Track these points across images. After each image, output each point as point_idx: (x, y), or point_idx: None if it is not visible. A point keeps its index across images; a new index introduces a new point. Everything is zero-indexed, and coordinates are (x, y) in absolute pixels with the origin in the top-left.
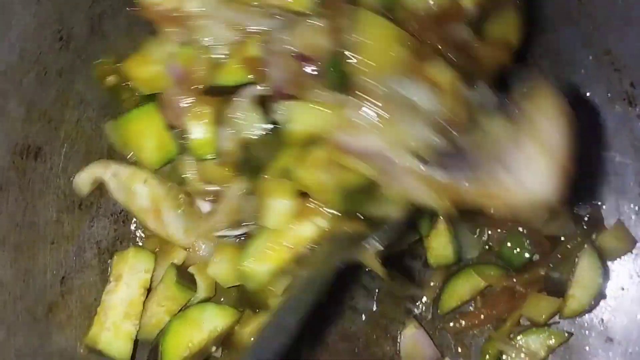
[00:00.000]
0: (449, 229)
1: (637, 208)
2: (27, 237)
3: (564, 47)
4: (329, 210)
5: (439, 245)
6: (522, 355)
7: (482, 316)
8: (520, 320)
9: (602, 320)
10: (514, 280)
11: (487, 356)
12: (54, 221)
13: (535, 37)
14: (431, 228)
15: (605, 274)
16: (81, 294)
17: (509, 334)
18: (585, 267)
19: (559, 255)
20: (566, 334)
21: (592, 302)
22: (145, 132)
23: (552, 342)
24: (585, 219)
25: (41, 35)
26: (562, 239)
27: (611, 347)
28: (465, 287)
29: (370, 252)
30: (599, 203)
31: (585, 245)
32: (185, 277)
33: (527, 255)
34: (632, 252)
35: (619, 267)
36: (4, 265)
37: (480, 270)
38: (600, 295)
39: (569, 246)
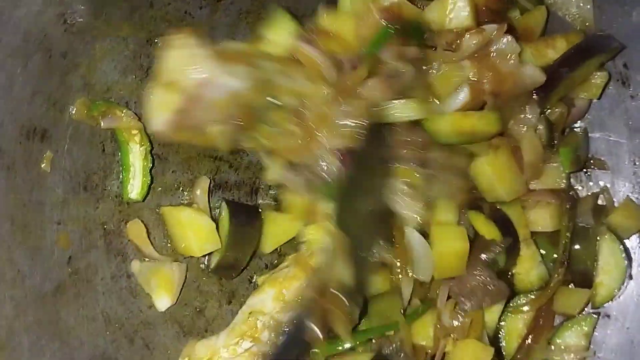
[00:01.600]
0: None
1: (632, 187)
2: (35, 217)
3: (559, 27)
4: None
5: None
6: (567, 355)
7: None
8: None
9: None
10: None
11: None
12: (60, 202)
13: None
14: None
15: (627, 254)
16: (87, 274)
17: (547, 341)
18: (606, 253)
19: (577, 247)
20: (594, 315)
21: (622, 285)
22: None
23: (587, 329)
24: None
25: (45, 18)
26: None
27: (608, 324)
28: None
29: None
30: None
31: (602, 230)
32: None
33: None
34: None
35: None
36: (12, 244)
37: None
38: (629, 277)
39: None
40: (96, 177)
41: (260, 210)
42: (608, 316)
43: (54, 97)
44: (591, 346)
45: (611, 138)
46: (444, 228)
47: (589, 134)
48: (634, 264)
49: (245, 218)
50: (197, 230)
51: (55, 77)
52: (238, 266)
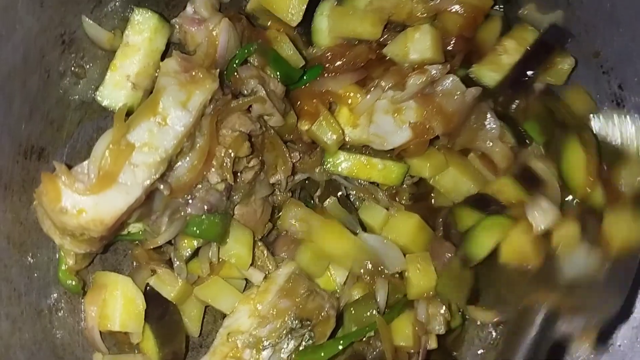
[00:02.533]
0: None
1: None
2: (31, 235)
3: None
4: None
5: None
6: None
7: None
8: None
9: None
10: None
11: None
12: None
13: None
14: None
15: None
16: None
17: None
18: None
19: None
20: None
21: None
22: None
23: None
24: None
25: (44, 38)
26: None
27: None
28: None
29: None
30: None
31: None
32: None
33: None
34: None
35: None
36: (8, 262)
37: None
38: None
39: None
40: None
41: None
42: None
43: (52, 116)
44: None
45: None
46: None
47: None
48: None
49: (161, 311)
50: (127, 304)
51: (53, 96)
52: (180, 356)
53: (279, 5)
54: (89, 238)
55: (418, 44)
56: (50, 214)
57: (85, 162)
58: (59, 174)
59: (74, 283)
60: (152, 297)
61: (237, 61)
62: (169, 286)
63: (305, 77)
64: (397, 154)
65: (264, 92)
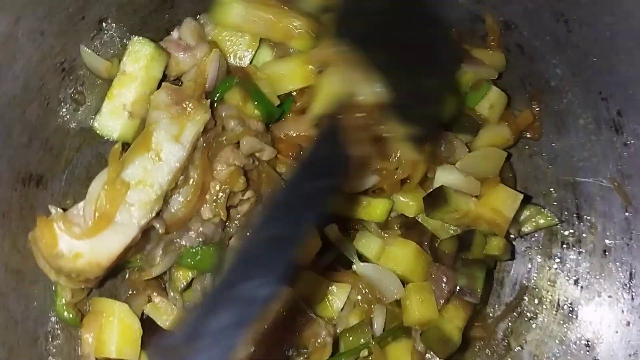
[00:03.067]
0: None
1: (623, 233)
2: (28, 263)
3: (553, 75)
4: None
5: None
6: None
7: None
8: None
9: (588, 341)
10: None
11: None
12: None
13: (525, 65)
14: None
15: None
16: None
17: None
18: None
19: None
20: None
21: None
22: None
23: None
24: None
25: (44, 67)
26: None
27: None
28: None
29: None
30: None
31: None
32: None
33: None
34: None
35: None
36: (5, 290)
37: None
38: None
39: None
40: None
41: None
42: None
43: (51, 143)
44: None
45: (603, 184)
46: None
47: (582, 179)
48: (624, 309)
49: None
50: (124, 331)
51: (52, 124)
52: None
53: None
54: (85, 278)
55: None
56: (46, 257)
57: (81, 204)
58: (55, 219)
59: (71, 316)
60: (148, 324)
61: (217, 95)
62: (164, 315)
63: (283, 113)
64: (378, 190)
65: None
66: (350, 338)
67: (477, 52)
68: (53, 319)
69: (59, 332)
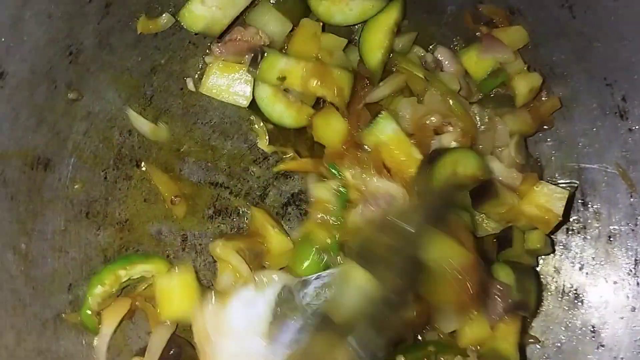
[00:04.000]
0: None
1: (628, 219)
2: (37, 246)
3: (557, 61)
4: None
5: None
6: None
7: None
8: None
9: (593, 327)
10: None
11: None
12: (61, 230)
13: (529, 51)
14: None
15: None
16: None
17: None
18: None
19: None
20: None
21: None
22: None
23: None
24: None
25: (52, 50)
26: None
27: (602, 354)
28: None
29: None
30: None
31: None
32: None
33: None
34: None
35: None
36: (14, 272)
37: None
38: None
39: None
40: (98, 204)
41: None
42: (603, 346)
43: (58, 126)
44: None
45: (608, 170)
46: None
47: (587, 165)
48: (629, 295)
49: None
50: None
51: (60, 107)
52: None
53: None
54: None
55: None
56: None
57: None
58: None
59: (93, 324)
60: None
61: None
62: None
63: None
64: None
65: None
66: None
67: (496, 32)
68: (62, 302)
69: (67, 315)
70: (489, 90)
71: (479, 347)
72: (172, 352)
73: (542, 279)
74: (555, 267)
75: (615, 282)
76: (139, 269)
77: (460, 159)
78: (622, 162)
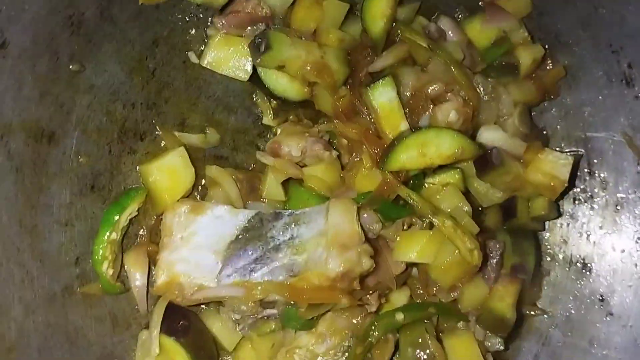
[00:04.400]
0: None
1: (635, 186)
2: (43, 219)
3: (563, 29)
4: None
5: None
6: None
7: None
8: None
9: (602, 295)
10: None
11: None
12: (67, 203)
13: (535, 19)
14: None
15: None
16: (94, 275)
17: None
18: None
19: None
20: None
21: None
22: None
23: None
24: None
25: (53, 20)
26: None
27: (612, 322)
28: None
29: None
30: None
31: None
32: None
33: None
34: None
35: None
36: (20, 246)
37: None
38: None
39: None
40: (103, 178)
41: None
42: (612, 314)
43: (61, 99)
44: (595, 344)
45: (615, 138)
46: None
47: (593, 134)
48: (638, 262)
49: (184, 324)
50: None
51: (63, 80)
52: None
53: None
54: None
55: None
56: None
57: None
58: None
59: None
60: (172, 312)
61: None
62: None
63: None
64: None
65: None
66: (409, 334)
67: (500, 1)
68: (70, 276)
69: (75, 288)
70: (493, 59)
71: (478, 309)
72: (180, 324)
73: (549, 249)
74: (562, 237)
75: (622, 251)
76: (124, 218)
77: (431, 139)
78: (628, 130)
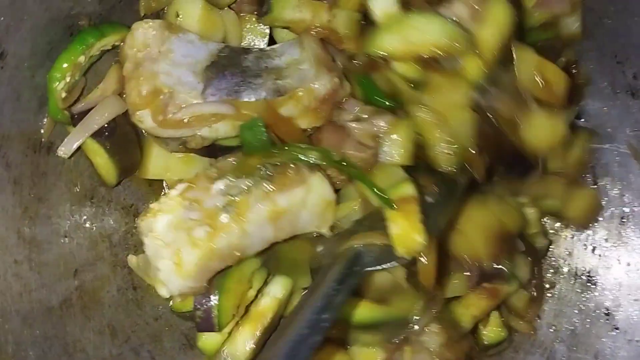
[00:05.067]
0: None
1: None
2: (41, 230)
3: None
4: None
5: None
6: None
7: None
8: None
9: (607, 309)
10: None
11: None
12: (66, 214)
13: None
14: None
15: None
16: (93, 286)
17: None
18: None
19: None
20: None
21: None
22: None
23: None
24: None
25: (52, 30)
26: None
27: (617, 337)
28: None
29: None
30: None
31: None
32: None
33: None
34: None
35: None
36: (18, 257)
37: None
38: None
39: None
40: (102, 189)
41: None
42: (617, 329)
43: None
44: (600, 359)
45: (620, 150)
46: None
47: (598, 146)
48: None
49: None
50: None
51: None
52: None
53: None
54: None
55: None
56: None
57: None
58: None
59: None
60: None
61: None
62: None
63: None
64: None
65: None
66: None
67: None
68: (68, 289)
69: (73, 301)
70: (534, 40)
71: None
72: (106, 125)
73: (553, 262)
74: (567, 250)
75: (628, 264)
76: (98, 46)
77: (418, 24)
78: (634, 141)
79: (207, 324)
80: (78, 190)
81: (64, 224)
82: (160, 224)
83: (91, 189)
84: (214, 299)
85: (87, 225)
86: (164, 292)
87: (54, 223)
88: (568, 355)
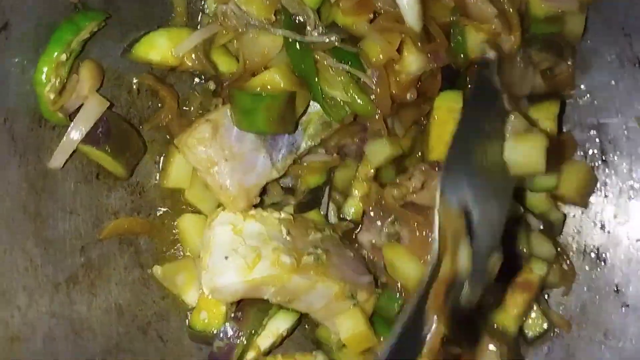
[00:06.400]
0: None
1: None
2: (47, 206)
3: None
4: None
5: None
6: None
7: None
8: None
9: (617, 286)
10: None
11: None
12: (72, 191)
13: None
14: None
15: None
16: (100, 264)
17: None
18: None
19: None
20: None
21: None
22: None
23: None
24: None
25: (56, 6)
26: None
27: (627, 313)
28: None
29: None
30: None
31: None
32: None
33: None
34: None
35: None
36: (24, 233)
37: None
38: None
39: None
40: None
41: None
42: (627, 305)
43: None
44: (610, 337)
45: (628, 124)
46: None
47: (606, 120)
48: None
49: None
50: None
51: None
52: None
53: None
54: None
55: None
56: None
57: None
58: None
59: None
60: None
61: None
62: None
63: None
64: None
65: None
66: None
67: None
68: (74, 265)
69: (80, 278)
70: (538, 33)
71: None
72: (100, 130)
73: (562, 240)
74: (575, 227)
75: (637, 240)
76: (77, 39)
77: None
78: None
79: (223, 358)
80: (83, 166)
81: (69, 200)
82: (250, 227)
83: (97, 165)
84: (242, 338)
85: (93, 202)
86: (190, 299)
87: (59, 199)
88: (578, 332)
